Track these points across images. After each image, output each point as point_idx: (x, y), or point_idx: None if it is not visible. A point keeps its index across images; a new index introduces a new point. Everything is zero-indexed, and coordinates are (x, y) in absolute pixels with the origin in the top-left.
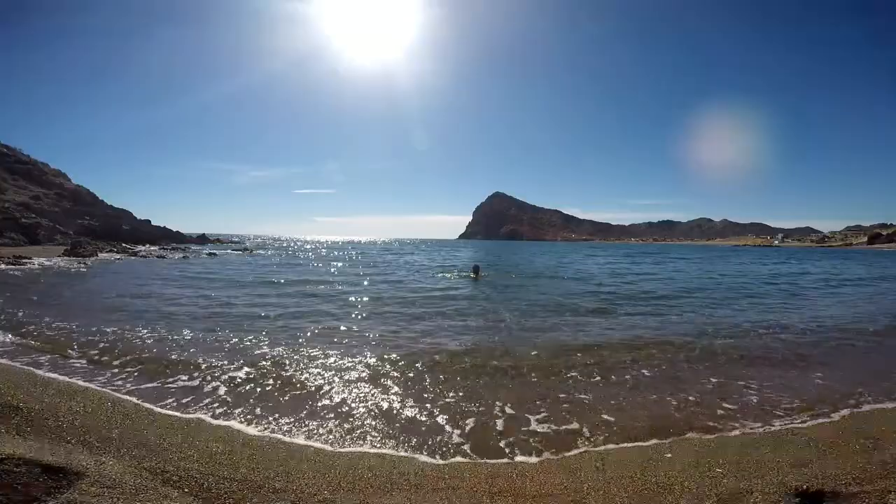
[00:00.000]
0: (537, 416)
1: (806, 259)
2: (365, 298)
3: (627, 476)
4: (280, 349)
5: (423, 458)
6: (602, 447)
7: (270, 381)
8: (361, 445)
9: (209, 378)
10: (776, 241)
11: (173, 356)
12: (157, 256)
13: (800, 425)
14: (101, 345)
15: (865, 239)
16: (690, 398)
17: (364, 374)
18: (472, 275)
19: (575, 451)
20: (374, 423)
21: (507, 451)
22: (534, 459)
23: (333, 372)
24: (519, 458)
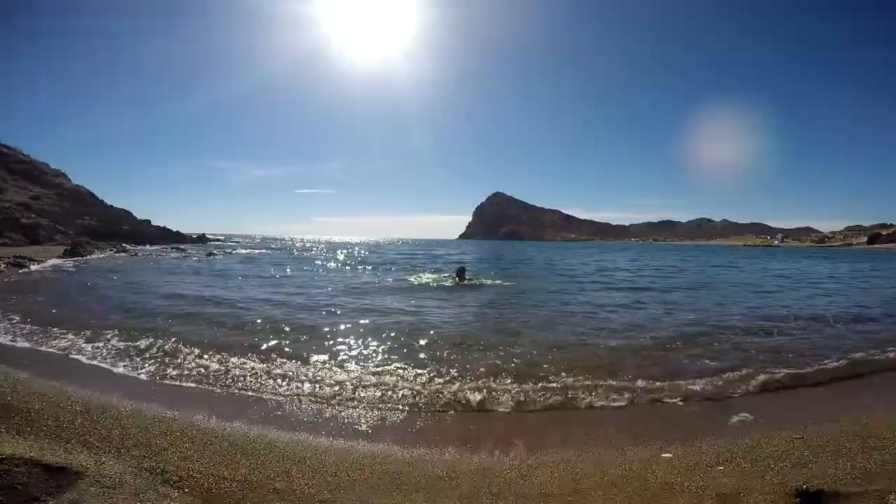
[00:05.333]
0: None
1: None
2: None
3: (627, 476)
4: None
5: (422, 459)
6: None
7: None
8: (359, 448)
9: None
10: (776, 241)
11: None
12: (157, 256)
13: None
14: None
15: (865, 239)
16: None
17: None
18: (455, 279)
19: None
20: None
21: None
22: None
23: None
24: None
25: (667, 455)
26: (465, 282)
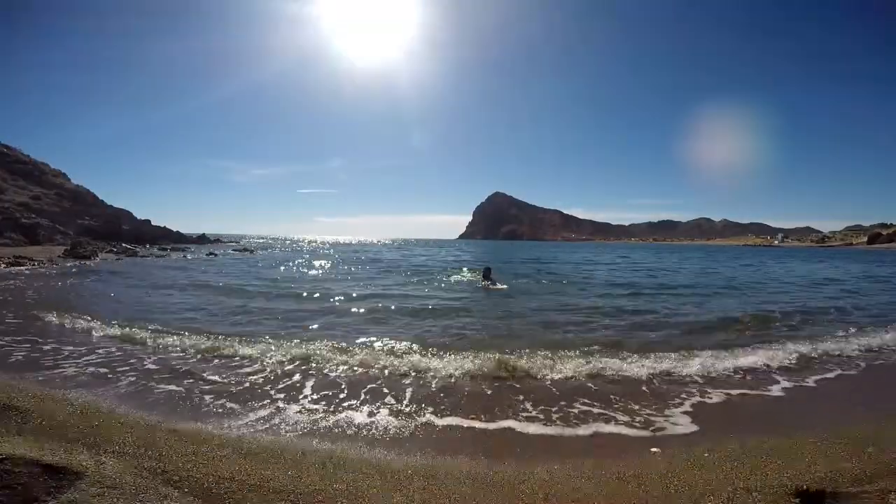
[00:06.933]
0: None
1: None
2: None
3: (627, 476)
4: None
5: (425, 462)
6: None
7: None
8: (362, 448)
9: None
10: (776, 241)
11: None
12: (157, 256)
13: None
14: None
15: (866, 239)
16: None
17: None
18: (481, 280)
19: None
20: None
21: None
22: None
23: None
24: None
25: (655, 450)
26: (490, 282)
